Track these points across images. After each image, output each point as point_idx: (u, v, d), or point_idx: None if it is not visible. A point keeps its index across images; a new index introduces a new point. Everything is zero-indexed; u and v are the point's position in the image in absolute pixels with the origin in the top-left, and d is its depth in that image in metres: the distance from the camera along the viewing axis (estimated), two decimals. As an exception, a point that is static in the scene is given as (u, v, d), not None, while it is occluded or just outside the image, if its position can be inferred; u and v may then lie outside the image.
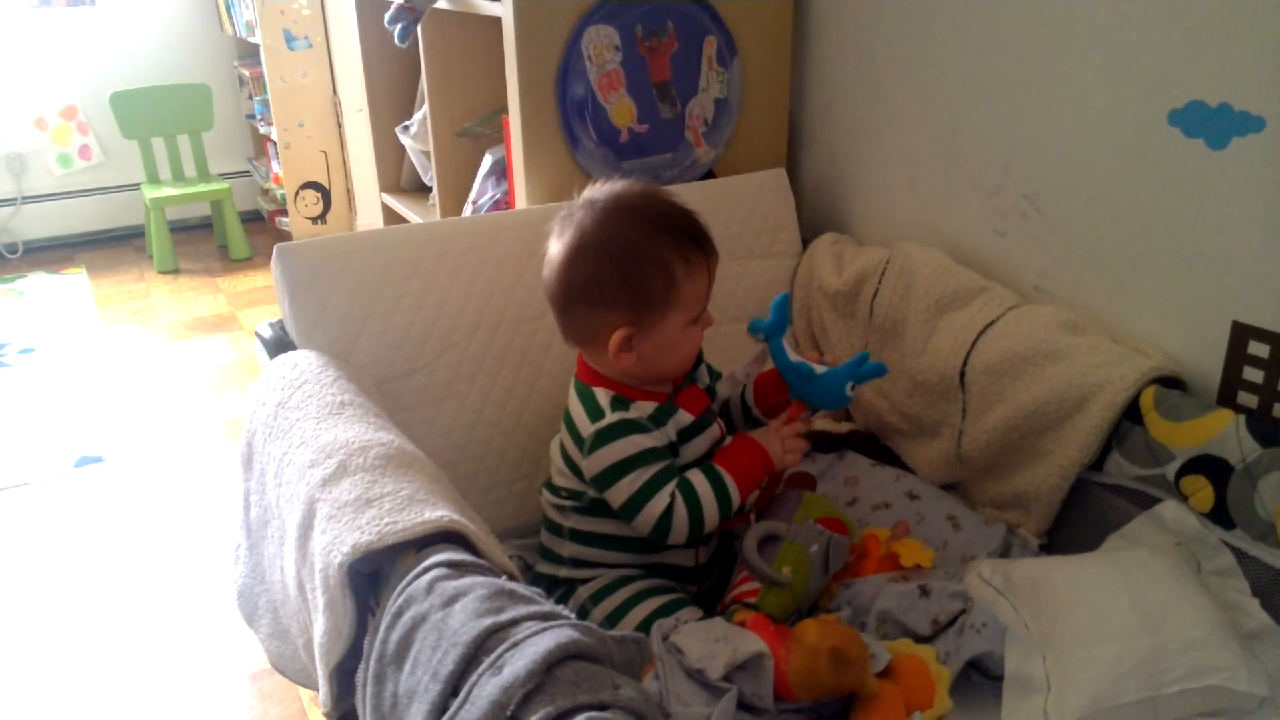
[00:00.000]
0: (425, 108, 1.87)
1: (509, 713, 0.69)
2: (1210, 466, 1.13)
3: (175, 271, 3.89)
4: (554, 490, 1.24)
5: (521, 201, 1.59)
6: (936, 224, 1.54)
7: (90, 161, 4.14)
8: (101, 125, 4.05)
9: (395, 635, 0.82)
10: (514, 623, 0.78)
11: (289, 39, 3.70)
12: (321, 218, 3.95)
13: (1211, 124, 1.15)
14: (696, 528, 1.13)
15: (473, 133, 1.85)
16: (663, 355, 1.15)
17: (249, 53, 4.12)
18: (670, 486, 1.12)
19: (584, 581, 1.21)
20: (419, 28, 1.76)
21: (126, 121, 3.90)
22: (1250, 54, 1.09)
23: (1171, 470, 1.16)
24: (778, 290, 1.62)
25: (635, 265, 1.10)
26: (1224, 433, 1.11)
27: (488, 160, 1.79)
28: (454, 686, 0.74)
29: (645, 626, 1.14)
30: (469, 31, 1.79)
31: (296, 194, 3.90)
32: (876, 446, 1.54)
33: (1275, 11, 1.06)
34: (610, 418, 1.13)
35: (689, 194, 1.54)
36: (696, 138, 1.62)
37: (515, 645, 0.74)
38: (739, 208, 1.59)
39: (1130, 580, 1.08)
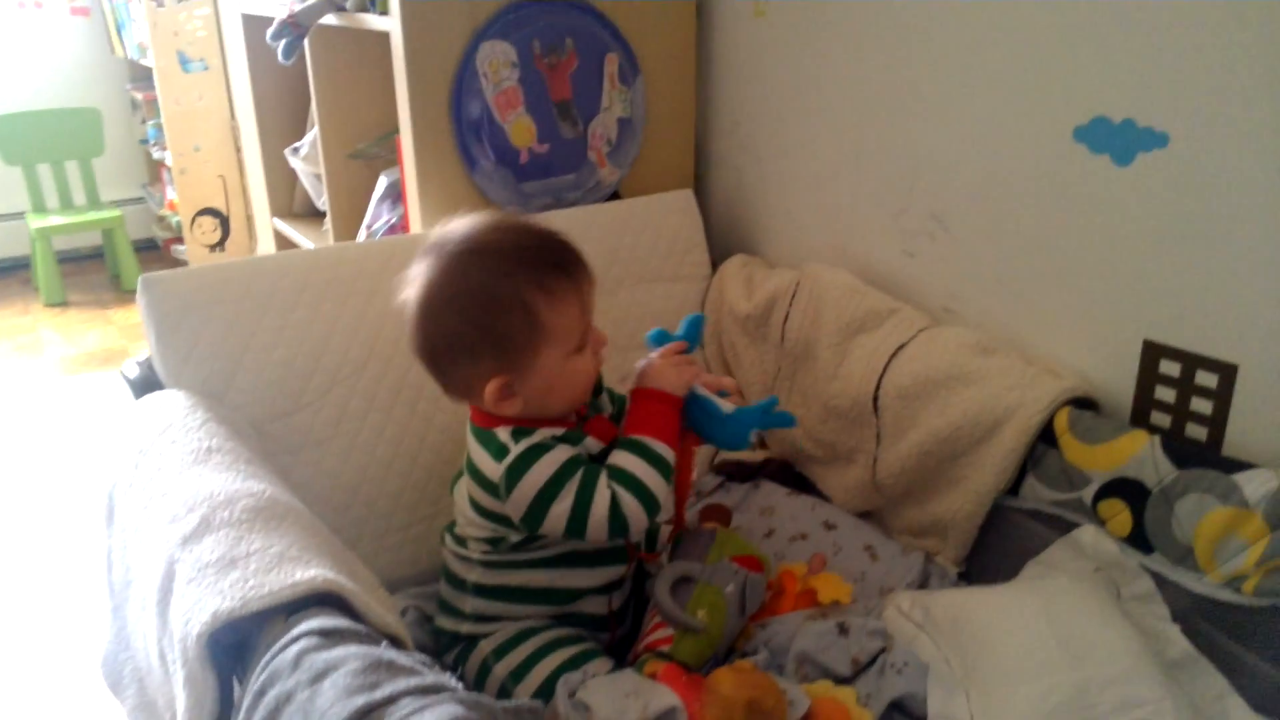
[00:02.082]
0: (315, 129, 1.78)
1: (380, 807, 0.61)
2: (1127, 489, 1.10)
3: (64, 304, 3.70)
4: (459, 541, 1.14)
5: (417, 226, 1.51)
6: (846, 245, 1.51)
7: (-31, 189, 3.92)
8: (-18, 150, 3.84)
9: (257, 716, 0.73)
10: (390, 700, 0.69)
11: (184, 61, 3.55)
12: (220, 245, 3.79)
13: (1116, 140, 1.13)
14: (650, 504, 1.05)
15: (365, 154, 1.76)
16: (550, 394, 1.06)
17: (142, 76, 3.95)
18: (603, 482, 1.04)
19: (485, 636, 1.12)
20: (306, 45, 1.67)
21: (9, 147, 3.71)
22: (1154, 69, 1.07)
23: (1088, 494, 1.13)
24: (686, 314, 1.56)
25: (489, 311, 1.02)
26: (1139, 455, 1.09)
27: (382, 182, 1.71)
28: (319, 776, 0.66)
29: (552, 680, 1.05)
30: (359, 48, 1.71)
31: (193, 221, 3.74)
32: (792, 474, 1.49)
33: (1178, 27, 1.04)
34: (516, 449, 1.04)
35: (593, 216, 1.49)
36: (600, 158, 1.56)
37: (389, 726, 0.66)
38: (645, 230, 1.54)
39: (1052, 611, 1.05)
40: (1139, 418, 1.17)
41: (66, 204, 3.87)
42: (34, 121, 3.75)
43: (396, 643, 0.90)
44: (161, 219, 4.07)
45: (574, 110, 1.51)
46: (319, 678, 0.72)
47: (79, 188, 3.89)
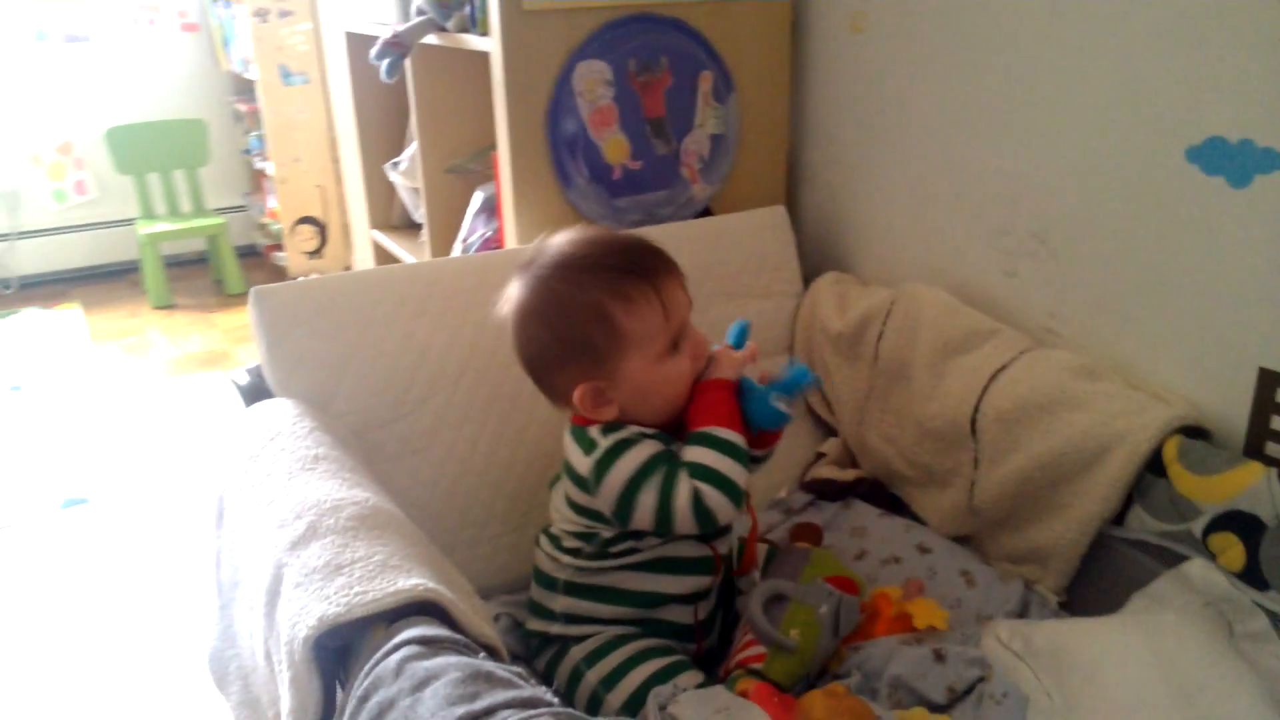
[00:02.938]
0: (415, 144, 1.82)
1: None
2: (1240, 523, 1.06)
3: (170, 307, 3.85)
4: (553, 539, 1.17)
5: (512, 240, 1.53)
6: (942, 263, 1.48)
7: (86, 197, 4.11)
8: (97, 161, 4.02)
9: (361, 722, 0.75)
10: (489, 711, 0.70)
11: (285, 74, 3.68)
12: (318, 252, 3.90)
13: (1232, 161, 1.09)
14: (732, 491, 1.05)
15: (462, 169, 1.79)
16: (646, 399, 1.08)
17: (245, 88, 4.10)
18: (683, 476, 1.05)
19: (577, 640, 1.13)
20: (408, 63, 1.72)
21: (122, 157, 3.88)
22: (1273, 88, 1.04)
23: (1198, 526, 1.10)
24: (777, 331, 1.56)
25: (570, 320, 1.05)
26: (1254, 487, 1.05)
27: (478, 197, 1.74)
28: (422, 785, 0.67)
29: (643, 691, 1.06)
30: (459, 67, 1.74)
31: (293, 229, 3.86)
32: (885, 495, 1.47)
33: (1301, 43, 1.01)
34: (604, 444, 1.07)
35: (684, 232, 1.50)
36: (692, 174, 1.57)
37: (490, 739, 0.67)
38: (737, 246, 1.53)
39: (1160, 648, 1.01)
40: (1253, 448, 1.13)
41: (174, 211, 4.03)
42: (145, 133, 3.92)
43: (492, 653, 0.92)
44: (262, 226, 4.21)
45: (667, 127, 1.52)
46: (420, 686, 0.74)
47: (185, 196, 4.05)
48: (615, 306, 1.04)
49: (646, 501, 1.05)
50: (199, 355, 3.35)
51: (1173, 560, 1.13)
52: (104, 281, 4.14)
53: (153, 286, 3.85)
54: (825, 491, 1.48)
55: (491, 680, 0.75)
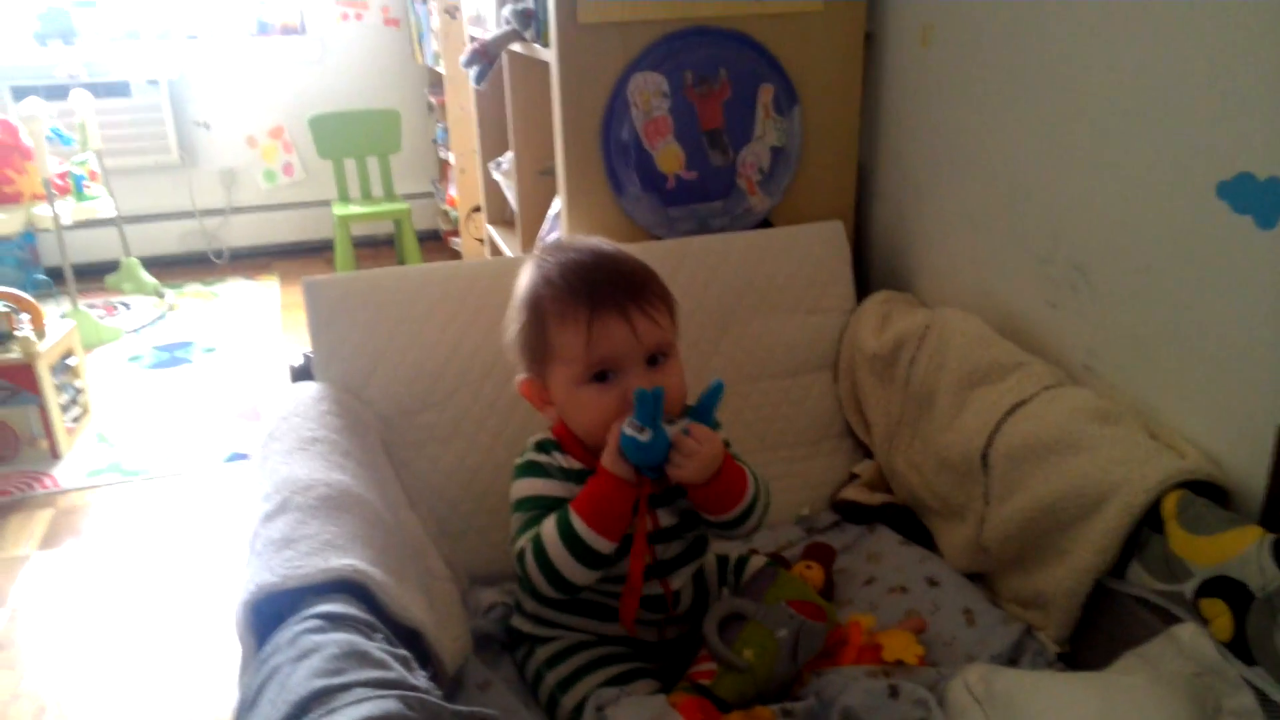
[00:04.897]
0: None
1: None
2: (1229, 589, 0.98)
3: (355, 283, 4.16)
4: None
5: (571, 244, 1.59)
6: (992, 289, 1.42)
7: (292, 178, 4.51)
8: (303, 145, 4.40)
9: (255, 683, 0.84)
10: (345, 688, 0.77)
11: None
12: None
13: (1261, 199, 1.01)
14: (551, 575, 1.04)
15: (553, 172, 1.87)
16: (567, 414, 1.12)
17: (437, 81, 4.36)
18: (533, 532, 1.07)
19: (543, 641, 1.18)
20: (505, 69, 1.81)
21: (323, 142, 4.22)
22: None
23: (1190, 588, 1.02)
24: (822, 348, 1.54)
25: (522, 313, 1.12)
26: (1244, 554, 0.96)
27: (557, 201, 1.81)
28: (271, 745, 0.75)
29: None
30: (547, 74, 1.82)
31: (468, 216, 4.08)
32: (914, 523, 1.44)
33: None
34: (523, 457, 1.14)
35: (731, 243, 1.51)
36: (750, 186, 1.58)
37: (331, 712, 0.74)
38: (787, 259, 1.53)
39: (1109, 711, 0.96)
40: (1271, 512, 1.04)
41: (366, 195, 4.35)
42: (344, 121, 4.25)
43: (414, 637, 0.99)
44: (444, 213, 4.48)
45: (724, 138, 1.54)
46: (302, 657, 0.82)
47: (377, 181, 4.36)
48: (550, 316, 1.08)
49: (512, 526, 1.12)
50: (369, 330, 3.62)
51: (1171, 620, 1.05)
52: (302, 257, 4.54)
53: (342, 264, 4.18)
54: (851, 514, 1.46)
55: (364, 660, 0.82)
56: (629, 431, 1.01)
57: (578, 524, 1.03)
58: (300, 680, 0.79)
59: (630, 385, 1.04)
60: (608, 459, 1.04)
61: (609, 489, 1.04)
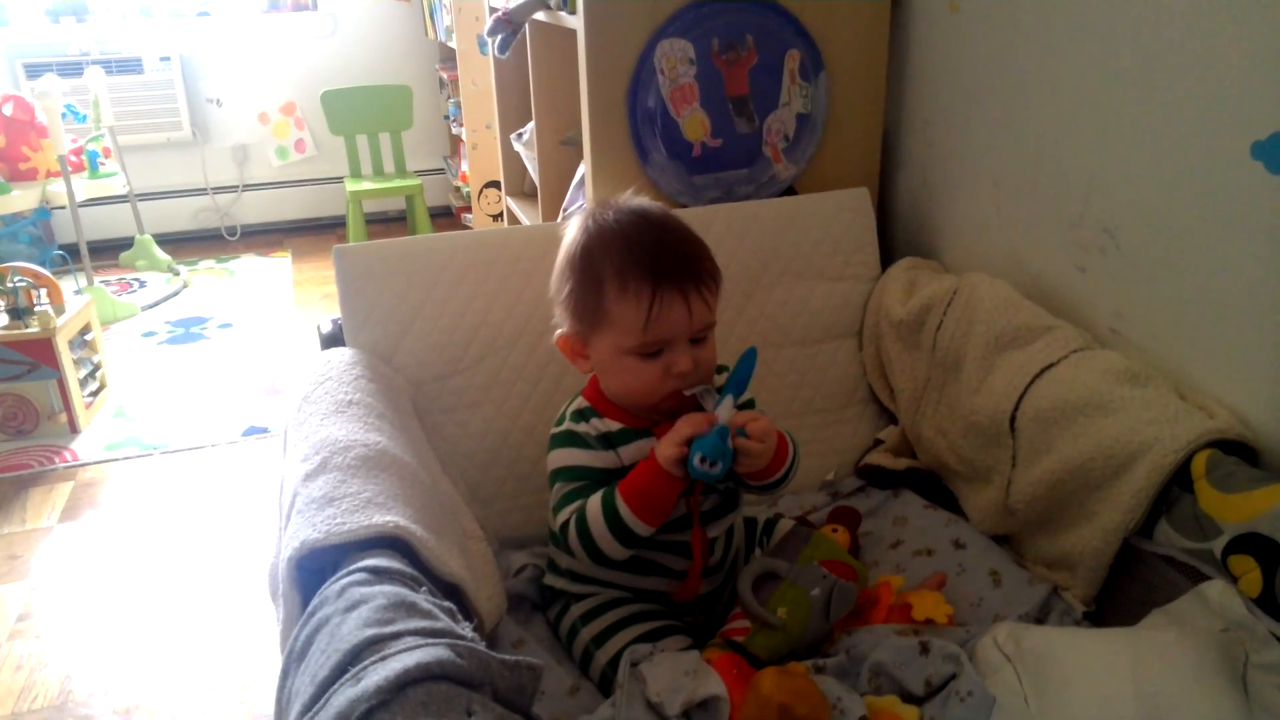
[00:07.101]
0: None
1: (349, 727, 0.70)
2: (1259, 546, 0.99)
3: (367, 260, 4.17)
4: None
5: (595, 212, 1.60)
6: (1020, 253, 1.43)
7: (304, 155, 4.51)
8: (315, 121, 4.39)
9: (303, 635, 0.85)
10: (395, 636, 0.79)
11: (482, 44, 3.87)
12: (501, 216, 4.11)
13: (1295, 159, 1.01)
14: (590, 548, 1.08)
15: (574, 142, 1.87)
16: (608, 376, 1.13)
17: (449, 56, 4.35)
18: (577, 504, 1.09)
19: (578, 598, 1.20)
20: (527, 38, 1.81)
21: (335, 118, 4.22)
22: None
23: (1219, 546, 1.03)
24: (848, 314, 1.55)
25: (578, 273, 1.10)
26: (1274, 510, 0.97)
27: (581, 169, 1.81)
28: (324, 693, 0.77)
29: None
30: (571, 43, 1.82)
31: (480, 192, 4.08)
32: (939, 487, 1.45)
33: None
34: (561, 426, 1.15)
35: (756, 210, 1.52)
36: (775, 153, 1.58)
37: (383, 659, 0.76)
38: (812, 227, 1.53)
39: (1141, 665, 0.97)
40: (1302, 471, 1.05)
41: (378, 171, 4.35)
42: (355, 97, 4.24)
43: (455, 590, 1.00)
44: (456, 189, 4.48)
45: (750, 106, 1.54)
46: (351, 608, 0.83)
47: (389, 157, 4.36)
48: (611, 285, 1.07)
49: (553, 496, 1.14)
50: (383, 305, 3.63)
51: (1199, 579, 1.07)
52: (313, 234, 4.55)
53: (354, 240, 4.18)
54: (876, 479, 1.47)
55: (411, 610, 0.83)
56: (700, 468, 1.02)
57: (622, 508, 1.05)
58: (351, 629, 0.80)
59: (675, 360, 1.07)
60: (666, 460, 1.04)
61: (660, 482, 1.05)
